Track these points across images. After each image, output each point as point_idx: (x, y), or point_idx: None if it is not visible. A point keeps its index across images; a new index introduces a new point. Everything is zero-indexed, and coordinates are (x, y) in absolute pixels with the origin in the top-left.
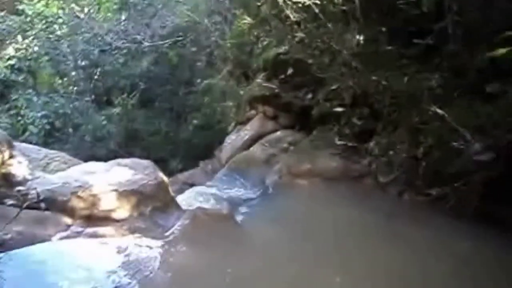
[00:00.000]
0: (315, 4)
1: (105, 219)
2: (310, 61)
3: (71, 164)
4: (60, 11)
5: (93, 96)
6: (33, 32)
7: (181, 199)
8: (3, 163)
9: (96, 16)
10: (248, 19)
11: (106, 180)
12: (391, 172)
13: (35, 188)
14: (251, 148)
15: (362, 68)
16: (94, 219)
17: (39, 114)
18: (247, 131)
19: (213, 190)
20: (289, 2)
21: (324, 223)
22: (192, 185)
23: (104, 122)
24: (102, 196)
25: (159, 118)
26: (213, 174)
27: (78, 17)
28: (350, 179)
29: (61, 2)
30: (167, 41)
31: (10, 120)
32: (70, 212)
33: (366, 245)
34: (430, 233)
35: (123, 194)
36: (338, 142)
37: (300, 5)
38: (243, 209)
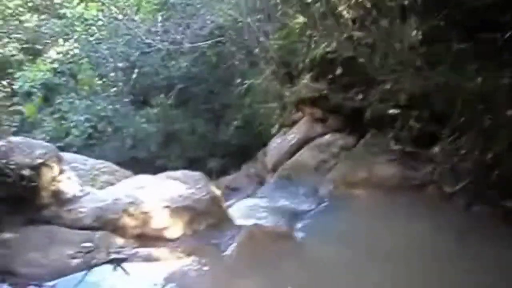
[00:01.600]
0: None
1: (157, 238)
2: (361, 59)
3: (119, 175)
4: (100, 13)
5: (132, 97)
6: (74, 35)
7: (233, 212)
8: (53, 179)
9: (135, 17)
10: (301, 18)
11: (158, 196)
12: (457, 181)
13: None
14: (300, 153)
15: (421, 66)
16: (146, 238)
17: (82, 118)
18: (294, 135)
19: (265, 202)
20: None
21: (388, 241)
22: (235, 189)
23: (145, 125)
24: (154, 214)
25: (198, 118)
26: (256, 178)
27: (116, 18)
28: (410, 189)
29: (100, 4)
30: (207, 42)
31: (54, 124)
32: (122, 231)
33: (436, 266)
34: (507, 252)
35: (176, 211)
36: (395, 147)
37: (354, 1)
38: (299, 224)
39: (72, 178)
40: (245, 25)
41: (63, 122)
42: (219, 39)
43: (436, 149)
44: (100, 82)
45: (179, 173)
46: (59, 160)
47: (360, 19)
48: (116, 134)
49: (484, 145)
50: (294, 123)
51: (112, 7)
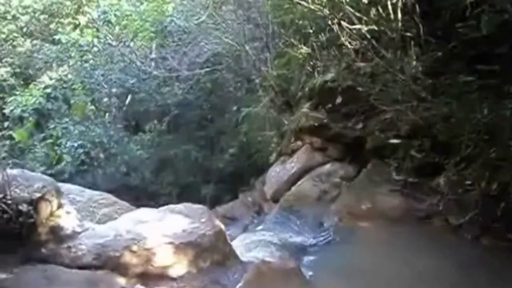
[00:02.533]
0: (371, 30)
1: (160, 277)
2: (360, 88)
3: (118, 207)
4: (95, 40)
5: (125, 123)
6: (68, 61)
7: (236, 247)
8: (51, 214)
9: (131, 43)
10: (304, 48)
11: (160, 231)
12: (463, 213)
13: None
14: (300, 183)
15: (425, 97)
16: (149, 277)
17: (75, 144)
18: (293, 164)
19: (268, 236)
20: (346, 30)
21: (397, 276)
22: (232, 219)
23: (139, 152)
24: (157, 250)
25: (192, 145)
26: (254, 207)
27: (111, 45)
28: (416, 221)
29: (95, 30)
30: (203, 69)
31: (46, 150)
32: (123, 269)
33: None
34: None
35: (180, 247)
36: (397, 177)
37: (355, 32)
38: (306, 259)
39: (71, 213)
40: (243, 53)
41: (56, 148)
42: (215, 67)
43: (441, 180)
44: (93, 108)
45: (181, 207)
46: (58, 194)
47: (362, 50)
48: (109, 161)
49: (490, 177)
50: (293, 151)
51: (108, 34)
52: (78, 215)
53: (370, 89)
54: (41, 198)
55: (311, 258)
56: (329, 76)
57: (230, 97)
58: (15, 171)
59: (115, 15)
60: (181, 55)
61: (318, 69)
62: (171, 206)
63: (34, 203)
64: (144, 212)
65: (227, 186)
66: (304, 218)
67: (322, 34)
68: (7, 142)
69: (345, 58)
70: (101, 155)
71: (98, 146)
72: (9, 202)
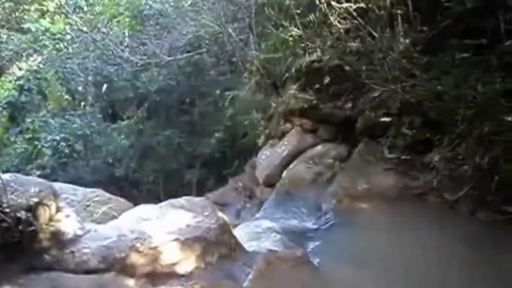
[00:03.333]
0: (360, 8)
1: (169, 275)
2: (347, 67)
3: (113, 204)
4: (67, 27)
5: (105, 112)
6: (40, 50)
7: (239, 237)
8: (50, 219)
9: (106, 30)
10: (295, 30)
11: (164, 228)
12: (458, 189)
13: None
14: (293, 166)
15: (412, 73)
16: (157, 276)
17: (57, 137)
18: (284, 147)
19: (269, 223)
20: (334, 9)
21: (403, 256)
22: (224, 205)
23: (123, 141)
24: (164, 248)
25: (176, 131)
26: (245, 192)
27: (85, 32)
28: (412, 198)
29: (65, 17)
30: (183, 54)
31: (24, 145)
32: (131, 270)
33: (454, 274)
34: None
35: (186, 243)
36: (389, 156)
37: (344, 11)
38: (310, 245)
39: (71, 215)
40: (225, 36)
41: (36, 143)
42: (196, 50)
43: (436, 157)
44: (69, 98)
45: (182, 201)
46: (56, 197)
47: (351, 29)
48: (92, 152)
49: (484, 151)
50: (283, 134)
51: (80, 21)
52: (77, 217)
53: (358, 68)
54: (39, 203)
55: (316, 243)
56: (315, 56)
57: (213, 81)
58: (7, 176)
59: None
60: (159, 40)
61: (310, 50)
62: (172, 200)
63: (33, 209)
64: (145, 209)
65: (213, 171)
66: (302, 202)
67: (312, 15)
68: None
69: (333, 37)
70: (84, 147)
71: (81, 139)
72: (6, 210)
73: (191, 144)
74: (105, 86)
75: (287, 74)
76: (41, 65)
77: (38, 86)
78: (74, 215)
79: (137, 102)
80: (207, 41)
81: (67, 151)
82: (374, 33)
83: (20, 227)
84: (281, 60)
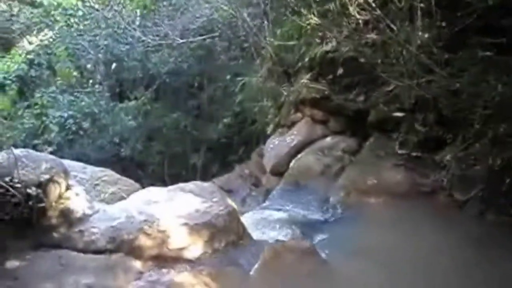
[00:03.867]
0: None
1: (176, 259)
2: (362, 60)
3: (122, 184)
4: (79, 3)
5: (113, 91)
6: (52, 25)
7: (246, 226)
8: (60, 197)
9: (119, 8)
10: (314, 18)
11: (173, 212)
12: (468, 189)
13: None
14: (301, 156)
15: (430, 68)
16: (164, 259)
17: (65, 114)
18: (293, 136)
19: (276, 213)
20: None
21: (411, 254)
22: (229, 191)
23: (130, 122)
24: (172, 232)
25: (184, 114)
26: (251, 179)
27: (97, 9)
28: (421, 196)
29: None
30: (195, 37)
31: (34, 120)
32: (138, 252)
33: (463, 275)
34: None
35: (195, 228)
36: (400, 151)
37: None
38: (318, 237)
39: (81, 194)
40: (239, 20)
41: (44, 119)
42: (209, 34)
43: (448, 156)
44: (78, 75)
45: (191, 186)
46: (66, 175)
47: (371, 21)
48: (99, 131)
49: (498, 152)
50: (292, 123)
51: None
52: (87, 196)
53: (374, 61)
54: (50, 180)
55: (323, 236)
56: (330, 45)
57: (223, 66)
58: (19, 151)
59: None
60: (172, 21)
61: (327, 40)
62: (181, 184)
63: (43, 186)
64: (154, 192)
65: (218, 156)
66: (310, 193)
67: (332, 4)
68: None
69: (350, 27)
70: (91, 126)
71: (89, 117)
72: (17, 185)
73: (198, 128)
74: (114, 65)
75: (300, 63)
76: (51, 40)
77: (48, 61)
78: (84, 194)
79: (146, 83)
80: (220, 25)
81: (74, 128)
82: (392, 26)
83: (30, 203)
84: (295, 48)
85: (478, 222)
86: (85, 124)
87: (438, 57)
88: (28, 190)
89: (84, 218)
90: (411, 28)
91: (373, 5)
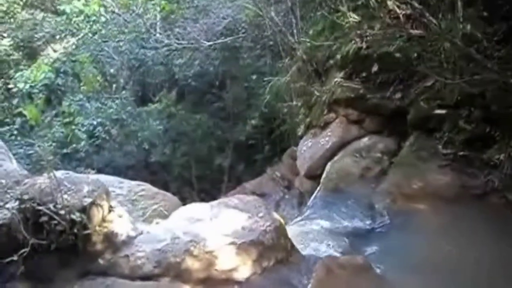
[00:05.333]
0: None
1: (225, 281)
2: (398, 54)
3: (160, 198)
4: (102, 9)
5: (139, 96)
6: (76, 32)
7: (291, 238)
8: (103, 220)
9: (142, 12)
10: (353, 16)
11: (219, 230)
12: None
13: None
14: (338, 159)
15: (476, 58)
16: (213, 282)
17: (94, 122)
18: (328, 138)
19: (321, 222)
20: None
21: (469, 263)
22: (262, 195)
23: (159, 127)
24: (220, 253)
25: (212, 117)
26: (282, 182)
27: (119, 14)
28: (471, 199)
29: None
30: (219, 39)
31: (62, 128)
32: (186, 276)
33: None
34: None
35: (242, 247)
36: (444, 151)
37: None
38: (368, 249)
39: (123, 216)
40: (266, 19)
41: (73, 127)
42: (235, 35)
43: (501, 156)
44: (103, 81)
45: (235, 200)
46: (108, 196)
47: (413, 15)
48: (127, 138)
49: None
50: (326, 124)
51: (113, 2)
52: (130, 218)
53: (410, 55)
54: (93, 203)
55: (374, 248)
56: (364, 42)
57: (249, 66)
58: (60, 173)
59: None
60: (196, 23)
61: (367, 38)
62: (225, 200)
63: (87, 210)
64: (197, 208)
65: (247, 158)
66: (352, 200)
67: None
68: (18, 119)
69: (385, 22)
70: (120, 132)
71: (117, 123)
72: (61, 211)
73: (224, 130)
74: (138, 69)
75: (331, 61)
76: (75, 47)
77: (73, 69)
78: (127, 215)
79: (172, 86)
80: (245, 25)
81: (103, 135)
82: (431, 19)
83: (74, 230)
84: (325, 46)
85: None
86: (114, 131)
87: (490, 51)
88: (72, 216)
89: (128, 241)
90: (453, 20)
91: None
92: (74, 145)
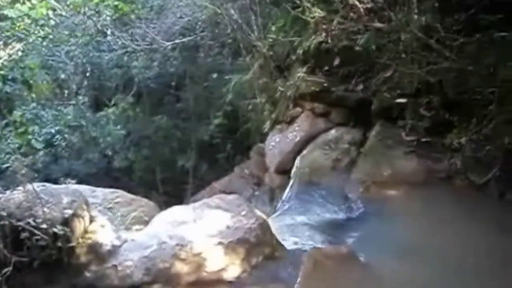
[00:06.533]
0: None
1: (216, 282)
2: (358, 48)
3: (136, 205)
4: (50, 12)
5: (96, 101)
6: (24, 38)
7: None
8: (85, 231)
9: (93, 14)
10: (318, 11)
11: (205, 231)
12: (485, 171)
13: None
14: (308, 152)
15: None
16: (203, 284)
17: (52, 130)
18: (296, 132)
19: (298, 216)
20: None
21: (446, 246)
22: (232, 193)
23: (121, 132)
24: (208, 254)
25: (173, 119)
26: (252, 179)
27: (67, 17)
28: (438, 182)
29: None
30: (180, 40)
31: (19, 140)
32: (176, 281)
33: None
34: None
35: (230, 246)
36: (408, 138)
37: None
38: (348, 238)
39: (106, 225)
40: (226, 18)
41: (30, 137)
42: (193, 34)
43: (461, 139)
44: (56, 87)
45: (217, 200)
46: (88, 206)
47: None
48: (87, 144)
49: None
50: (292, 119)
51: (65, 5)
52: (112, 226)
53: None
54: (74, 215)
55: (353, 236)
56: (323, 37)
57: (210, 65)
58: (36, 186)
59: None
60: (153, 23)
61: (333, 32)
62: (206, 200)
63: (68, 222)
64: (179, 211)
65: (214, 158)
66: (326, 191)
67: None
68: None
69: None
70: (79, 139)
71: (76, 130)
72: (42, 226)
73: (187, 131)
74: (91, 73)
75: (293, 57)
76: (24, 53)
77: (22, 75)
78: (109, 224)
79: (128, 89)
80: (203, 24)
81: (63, 144)
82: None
83: (58, 244)
84: (286, 42)
85: (499, 203)
86: (73, 138)
87: (448, 41)
88: (54, 230)
89: (114, 250)
90: (410, 12)
91: None
92: (30, 156)
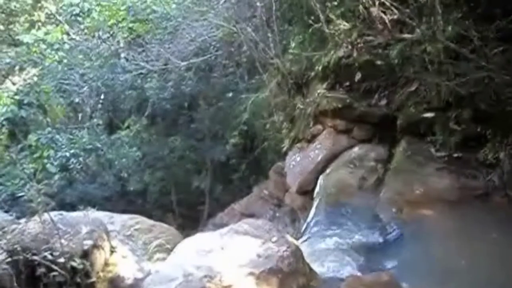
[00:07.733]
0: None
1: None
2: (379, 62)
3: (157, 231)
4: (65, 36)
5: (111, 123)
6: (39, 62)
7: None
8: (106, 264)
9: (108, 37)
10: (344, 24)
11: (233, 260)
12: None
13: None
14: (331, 171)
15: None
16: None
17: (67, 154)
18: (317, 150)
19: (330, 240)
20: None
21: (493, 268)
22: (251, 215)
23: (137, 153)
24: (239, 286)
25: (189, 139)
26: (272, 200)
27: (81, 41)
28: (474, 199)
29: (62, 26)
30: (195, 59)
31: (34, 164)
32: None
33: None
34: None
35: (261, 277)
36: (438, 154)
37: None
38: (386, 263)
39: (128, 256)
40: (242, 36)
41: (45, 161)
42: (208, 54)
43: (501, 154)
44: (70, 111)
45: (245, 226)
46: (108, 235)
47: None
48: (102, 167)
49: None
50: (313, 137)
51: (79, 29)
52: (134, 257)
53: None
54: (94, 246)
55: (392, 261)
56: (342, 51)
57: (225, 84)
58: (53, 215)
59: (81, 8)
60: (168, 44)
61: (358, 45)
62: (234, 226)
63: (88, 255)
64: (204, 239)
65: (230, 178)
66: (356, 212)
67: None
68: None
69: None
70: (93, 162)
71: (91, 153)
72: (60, 260)
73: (202, 151)
74: (108, 95)
75: (312, 73)
76: (39, 78)
77: (37, 99)
78: (131, 255)
79: (142, 110)
80: (218, 43)
81: (78, 167)
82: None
83: (77, 279)
84: (304, 58)
85: None
86: (89, 162)
87: (483, 50)
88: (73, 263)
89: (137, 284)
90: (434, 23)
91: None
92: (45, 181)
